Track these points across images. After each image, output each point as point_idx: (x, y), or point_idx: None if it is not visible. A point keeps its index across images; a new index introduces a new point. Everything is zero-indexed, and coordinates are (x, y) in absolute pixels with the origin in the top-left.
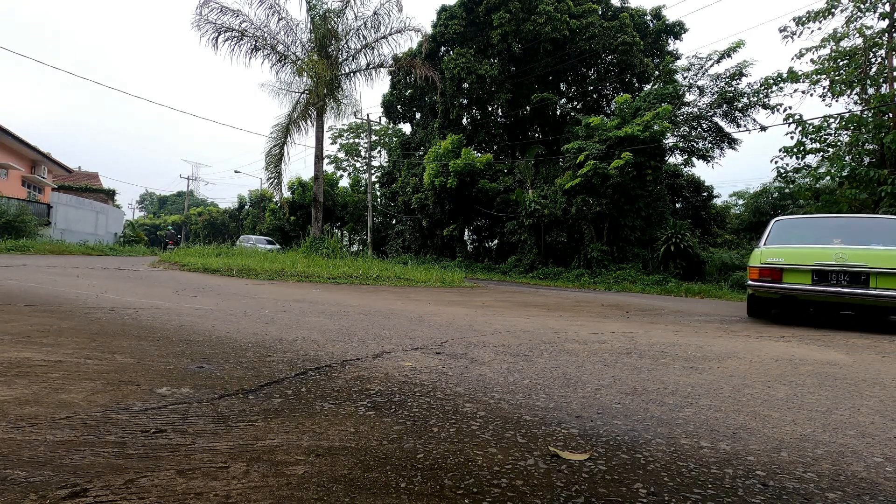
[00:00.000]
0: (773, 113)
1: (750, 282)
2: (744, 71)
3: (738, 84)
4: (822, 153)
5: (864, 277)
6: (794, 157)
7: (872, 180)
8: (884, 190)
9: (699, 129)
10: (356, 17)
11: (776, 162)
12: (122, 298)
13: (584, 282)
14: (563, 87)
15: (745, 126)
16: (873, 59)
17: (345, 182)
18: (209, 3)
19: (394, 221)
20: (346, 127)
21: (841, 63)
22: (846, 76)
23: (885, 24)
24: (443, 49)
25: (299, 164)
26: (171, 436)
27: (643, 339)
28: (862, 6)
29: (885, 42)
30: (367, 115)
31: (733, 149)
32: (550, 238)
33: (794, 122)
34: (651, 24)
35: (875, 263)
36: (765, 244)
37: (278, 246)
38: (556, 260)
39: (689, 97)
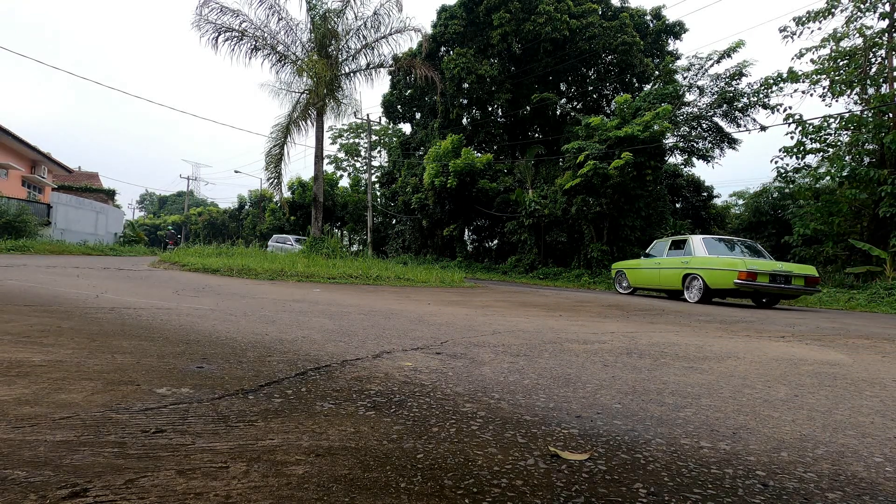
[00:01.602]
0: (773, 113)
1: (735, 281)
2: (744, 71)
3: (738, 84)
4: (822, 153)
5: (790, 279)
6: (794, 157)
7: (872, 180)
8: (884, 190)
9: (699, 129)
10: (356, 17)
11: (776, 162)
12: (122, 298)
13: (584, 282)
14: (563, 87)
15: (745, 126)
16: (873, 59)
17: (345, 182)
18: (209, 3)
19: (394, 221)
20: (346, 127)
21: (841, 63)
22: (846, 76)
23: (885, 24)
24: (443, 49)
25: (299, 164)
26: (171, 436)
27: (643, 339)
28: (862, 6)
29: (885, 42)
30: (367, 115)
31: (733, 149)
32: (550, 238)
33: (794, 122)
34: (651, 24)
35: (795, 271)
36: (703, 254)
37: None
38: (556, 260)
39: (689, 97)
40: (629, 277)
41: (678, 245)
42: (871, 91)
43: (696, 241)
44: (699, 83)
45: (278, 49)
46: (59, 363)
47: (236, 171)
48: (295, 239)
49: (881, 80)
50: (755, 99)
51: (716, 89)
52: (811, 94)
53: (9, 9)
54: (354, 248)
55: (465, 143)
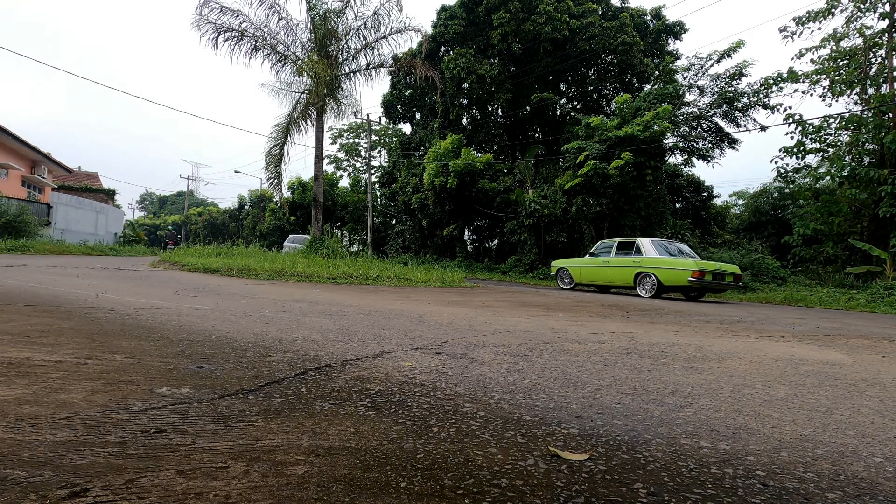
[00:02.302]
0: (773, 113)
1: (690, 279)
2: (744, 71)
3: (738, 84)
4: (822, 153)
5: (724, 276)
6: (794, 157)
7: (872, 180)
8: (884, 190)
9: (699, 129)
10: (356, 17)
11: (776, 162)
12: (122, 298)
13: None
14: (563, 87)
15: (745, 126)
16: (873, 59)
17: (345, 182)
18: (209, 3)
19: (394, 221)
20: (346, 127)
21: (841, 63)
22: (846, 76)
23: (885, 24)
24: (443, 49)
25: (299, 164)
26: (171, 436)
27: (643, 339)
28: (862, 6)
29: (885, 42)
30: (367, 115)
31: (733, 149)
32: (550, 238)
33: (794, 122)
34: (651, 24)
35: (728, 269)
36: (654, 255)
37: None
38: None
39: (689, 97)
40: (573, 274)
41: (626, 246)
42: (871, 91)
43: (647, 244)
44: (699, 83)
45: (278, 49)
46: (59, 363)
47: (236, 171)
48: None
49: (881, 80)
50: (755, 99)
51: (716, 89)
52: (811, 94)
53: (9, 9)
54: (354, 248)
55: (465, 143)
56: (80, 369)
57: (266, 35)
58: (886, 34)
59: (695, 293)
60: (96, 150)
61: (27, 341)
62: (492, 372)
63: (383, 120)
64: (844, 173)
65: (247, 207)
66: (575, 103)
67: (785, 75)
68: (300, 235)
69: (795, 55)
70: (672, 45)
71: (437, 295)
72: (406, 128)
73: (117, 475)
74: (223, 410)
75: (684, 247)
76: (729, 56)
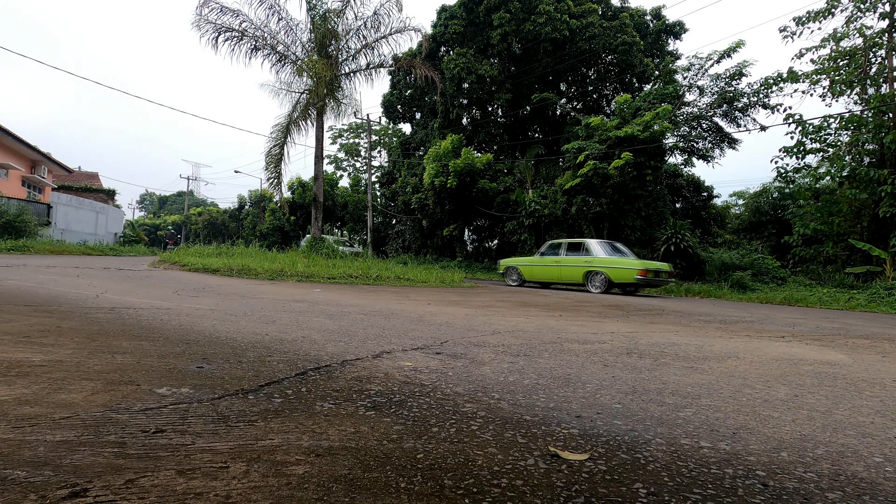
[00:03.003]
0: (773, 113)
1: (637, 277)
2: (744, 71)
3: (738, 84)
4: (822, 153)
5: (661, 273)
6: (794, 157)
7: (872, 180)
8: (884, 190)
9: (699, 129)
10: (356, 17)
11: (776, 162)
12: (122, 298)
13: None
14: (563, 87)
15: (745, 126)
16: (873, 59)
17: (345, 182)
18: (209, 3)
19: (394, 221)
20: (346, 127)
21: (841, 63)
22: (846, 76)
23: (885, 24)
24: (443, 49)
25: (299, 164)
26: (171, 436)
27: (643, 339)
28: (862, 6)
29: (885, 42)
30: (367, 115)
31: (733, 149)
32: (550, 238)
33: (794, 122)
34: (651, 24)
35: (664, 268)
36: (602, 256)
37: (355, 248)
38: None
39: (689, 97)
40: (522, 272)
41: (576, 247)
42: (871, 91)
43: (595, 245)
44: (699, 83)
45: (278, 49)
46: (59, 363)
47: (236, 171)
48: (335, 241)
49: (881, 80)
50: (755, 99)
51: (716, 89)
52: (811, 94)
53: (11, 8)
54: (354, 247)
55: (465, 143)
56: (80, 369)
57: (266, 35)
58: (886, 34)
59: (632, 288)
60: (96, 150)
61: (27, 341)
62: (492, 372)
63: (383, 120)
64: (844, 173)
65: (247, 207)
66: (575, 103)
67: (785, 75)
68: (323, 237)
69: (795, 55)
70: (672, 45)
71: (437, 295)
72: (406, 128)
73: (117, 475)
74: (223, 410)
75: (623, 247)
76: (729, 56)
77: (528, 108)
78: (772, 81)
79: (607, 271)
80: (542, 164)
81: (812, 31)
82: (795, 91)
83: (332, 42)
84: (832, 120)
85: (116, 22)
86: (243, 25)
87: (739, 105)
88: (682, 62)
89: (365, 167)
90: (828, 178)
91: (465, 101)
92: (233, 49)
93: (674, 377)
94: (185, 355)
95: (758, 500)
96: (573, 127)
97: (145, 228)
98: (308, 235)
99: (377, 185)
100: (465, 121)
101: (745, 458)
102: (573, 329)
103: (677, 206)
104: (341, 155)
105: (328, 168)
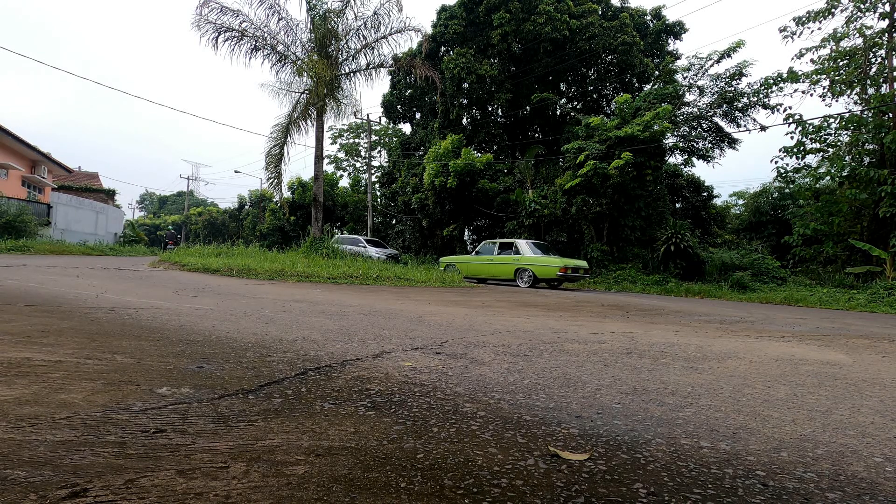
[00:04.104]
0: (773, 113)
1: (558, 273)
2: (744, 71)
3: (738, 84)
4: (822, 153)
5: (578, 269)
6: (794, 157)
7: (872, 180)
8: (884, 190)
9: (699, 129)
10: (356, 17)
11: (776, 162)
12: (122, 298)
13: (584, 282)
14: (563, 87)
15: (745, 126)
16: (873, 59)
17: (345, 182)
18: (209, 3)
19: (394, 221)
20: (346, 127)
21: (841, 63)
22: (846, 76)
23: (885, 24)
24: (443, 49)
25: (299, 164)
26: (171, 436)
27: (643, 339)
28: (862, 6)
29: (885, 42)
30: (367, 115)
31: (733, 149)
32: (550, 238)
33: (794, 122)
34: (651, 24)
35: (580, 265)
36: (529, 254)
37: (393, 251)
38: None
39: (689, 97)
40: (461, 269)
41: (507, 247)
42: (871, 91)
43: (524, 245)
44: (699, 83)
45: (278, 49)
46: (59, 363)
47: (236, 171)
48: (367, 241)
49: (881, 80)
50: (755, 99)
51: (716, 89)
52: (811, 94)
53: (11, 9)
54: None
55: (465, 143)
56: (80, 369)
57: (266, 35)
58: (886, 34)
59: (556, 283)
60: (96, 150)
61: (27, 341)
62: (492, 372)
63: (383, 120)
64: (844, 173)
65: (247, 207)
66: (575, 103)
67: (785, 75)
68: (353, 236)
69: (795, 55)
70: (672, 45)
71: (437, 295)
72: (406, 128)
73: (117, 475)
74: (223, 410)
75: (549, 247)
76: (729, 56)
77: (528, 108)
78: (772, 81)
79: (533, 268)
80: (542, 164)
81: (812, 32)
82: (795, 91)
83: (332, 42)
84: (832, 120)
85: (117, 22)
86: (243, 25)
87: (739, 105)
88: (682, 62)
89: (365, 167)
90: (828, 178)
91: (465, 101)
92: (233, 49)
93: (674, 377)
94: (185, 355)
95: (758, 500)
96: (573, 127)
97: (145, 228)
98: (338, 234)
99: (377, 185)
100: (465, 121)
101: (745, 458)
102: (573, 329)
103: (677, 206)
104: (341, 155)
105: (328, 168)
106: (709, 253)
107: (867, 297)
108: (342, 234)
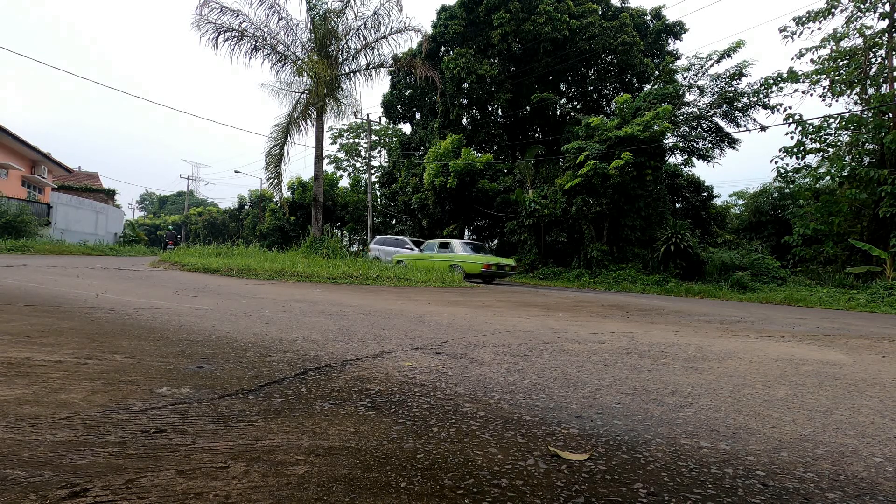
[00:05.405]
0: (773, 113)
1: (482, 269)
2: (744, 71)
3: (738, 84)
4: (822, 153)
5: (504, 266)
6: (794, 157)
7: (872, 180)
8: (884, 190)
9: (699, 129)
10: (356, 17)
11: (776, 162)
12: (122, 298)
13: (584, 282)
14: (563, 87)
15: (745, 126)
16: (873, 59)
17: (345, 182)
18: (209, 3)
19: (394, 221)
20: (346, 127)
21: (841, 63)
22: (846, 76)
23: (885, 24)
24: (443, 49)
25: (299, 164)
26: (171, 436)
27: (643, 339)
28: (862, 6)
29: (885, 42)
30: (367, 115)
31: (733, 149)
32: (550, 238)
33: (794, 122)
34: (651, 24)
35: (506, 262)
36: (461, 252)
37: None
38: (556, 260)
39: (689, 97)
40: (408, 264)
41: (444, 245)
42: (871, 91)
43: (457, 244)
44: (699, 83)
45: (278, 49)
46: (59, 363)
47: (236, 171)
48: (414, 242)
49: (881, 80)
50: (755, 99)
51: (716, 89)
52: (811, 94)
53: (11, 9)
54: (354, 248)
55: (465, 143)
56: (80, 369)
57: (266, 35)
58: (886, 34)
59: (490, 278)
60: (96, 150)
61: (27, 341)
62: (492, 372)
63: (383, 120)
64: (844, 173)
65: (247, 207)
66: (575, 103)
67: (785, 75)
68: (397, 237)
69: (795, 55)
70: (672, 45)
71: (437, 295)
72: (406, 128)
73: (117, 475)
74: (223, 410)
75: (482, 246)
76: (729, 56)
77: (528, 108)
78: (772, 81)
79: (463, 265)
80: (542, 164)
81: (812, 31)
82: (795, 91)
83: (332, 42)
84: (832, 120)
85: (117, 22)
86: (243, 25)
87: (739, 105)
88: (682, 62)
89: (365, 167)
90: (828, 178)
91: (465, 101)
92: (233, 49)
93: (674, 377)
94: (185, 355)
95: (758, 500)
96: (573, 127)
97: (145, 228)
98: (374, 239)
99: (377, 185)
100: (465, 121)
101: (745, 458)
102: (573, 329)
103: (677, 206)
104: (341, 155)
105: (328, 168)
106: (709, 253)
107: (867, 297)
108: (341, 233)
